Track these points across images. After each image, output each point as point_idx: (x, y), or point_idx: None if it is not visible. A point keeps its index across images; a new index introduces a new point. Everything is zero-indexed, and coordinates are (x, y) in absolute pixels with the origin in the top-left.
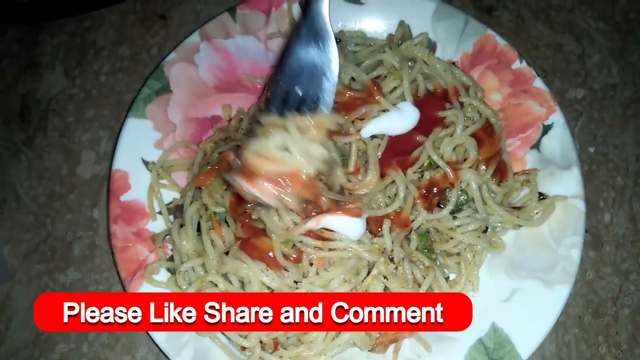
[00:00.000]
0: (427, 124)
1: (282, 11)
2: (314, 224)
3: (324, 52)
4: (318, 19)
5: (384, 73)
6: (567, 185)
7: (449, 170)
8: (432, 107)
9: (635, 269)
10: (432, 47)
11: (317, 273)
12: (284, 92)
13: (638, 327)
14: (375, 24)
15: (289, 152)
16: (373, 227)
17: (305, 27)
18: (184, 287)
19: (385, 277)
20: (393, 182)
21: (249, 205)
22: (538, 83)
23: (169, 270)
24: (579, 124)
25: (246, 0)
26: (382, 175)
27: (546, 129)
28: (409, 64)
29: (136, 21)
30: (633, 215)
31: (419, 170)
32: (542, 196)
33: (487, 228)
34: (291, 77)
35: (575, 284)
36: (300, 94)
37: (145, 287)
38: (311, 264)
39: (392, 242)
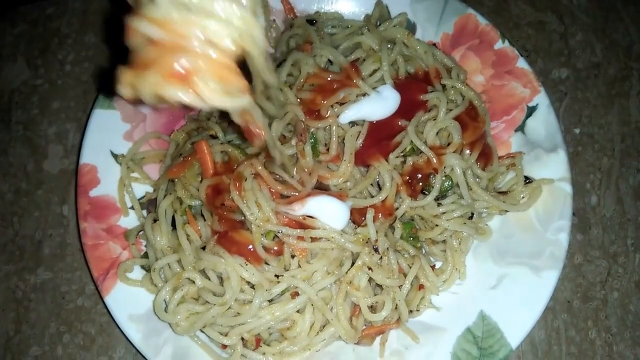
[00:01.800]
0: (408, 108)
1: None
2: (298, 206)
3: None
4: None
5: (362, 56)
6: (553, 168)
7: (432, 156)
8: (414, 90)
9: (623, 252)
10: (411, 28)
11: (299, 266)
12: None
13: (627, 311)
14: (351, 5)
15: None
16: (356, 216)
17: None
18: (160, 284)
19: (369, 268)
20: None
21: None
22: (521, 63)
23: (143, 267)
24: (563, 104)
25: None
26: (366, 166)
27: (530, 111)
28: (388, 46)
29: (101, 7)
30: (620, 197)
31: (402, 155)
32: (528, 180)
33: (472, 214)
34: None
35: (564, 268)
36: None
37: (119, 286)
38: (293, 256)
39: (377, 232)
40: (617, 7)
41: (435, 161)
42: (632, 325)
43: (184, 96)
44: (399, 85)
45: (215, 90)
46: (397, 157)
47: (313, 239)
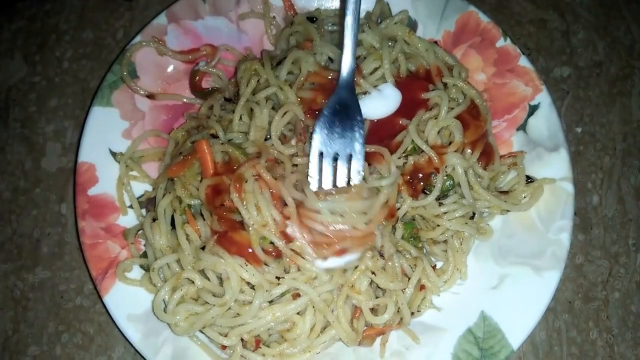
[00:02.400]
0: (410, 106)
1: None
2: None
3: (351, 120)
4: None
5: (363, 54)
6: (555, 167)
7: (433, 155)
8: (415, 88)
9: (624, 252)
10: (412, 25)
11: (299, 269)
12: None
13: (629, 311)
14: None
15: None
16: None
17: (335, 100)
18: (159, 284)
19: (372, 272)
20: None
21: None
22: (523, 61)
23: (142, 267)
24: (565, 103)
25: None
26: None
27: (532, 110)
28: (389, 43)
29: (99, 3)
30: (621, 196)
31: (403, 155)
32: (529, 179)
33: (474, 214)
34: (325, 141)
35: (565, 269)
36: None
37: (118, 286)
38: None
39: (382, 237)
40: (619, 5)
41: (436, 160)
42: (634, 326)
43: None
44: (400, 84)
45: None
46: (399, 157)
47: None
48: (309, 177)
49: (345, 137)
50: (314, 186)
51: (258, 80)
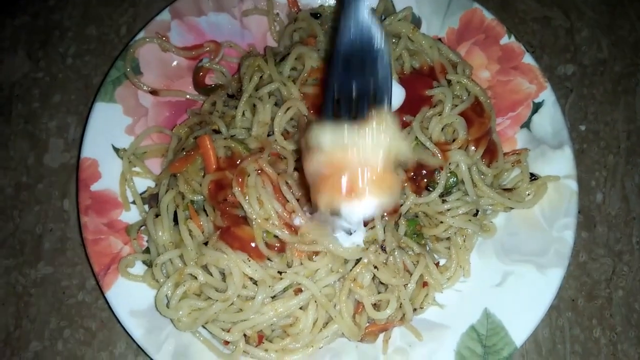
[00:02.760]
0: (413, 103)
1: None
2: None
3: (372, 42)
4: (360, 12)
5: None
6: (559, 165)
7: (437, 152)
8: (419, 85)
9: (628, 250)
10: (416, 22)
11: (302, 263)
12: (334, 94)
13: (632, 309)
14: None
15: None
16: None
17: (349, 21)
18: (161, 280)
19: (375, 267)
20: None
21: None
22: (527, 59)
23: (145, 262)
24: (569, 101)
25: None
26: None
27: (536, 107)
28: (393, 40)
29: (103, 0)
30: (625, 195)
31: None
32: (533, 177)
33: (477, 211)
34: (340, 75)
35: (568, 266)
36: (354, 91)
37: (121, 281)
38: None
39: (384, 232)
40: (624, 2)
41: (440, 157)
42: (637, 324)
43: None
44: (403, 80)
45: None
46: None
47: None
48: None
49: (366, 72)
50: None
51: (261, 77)
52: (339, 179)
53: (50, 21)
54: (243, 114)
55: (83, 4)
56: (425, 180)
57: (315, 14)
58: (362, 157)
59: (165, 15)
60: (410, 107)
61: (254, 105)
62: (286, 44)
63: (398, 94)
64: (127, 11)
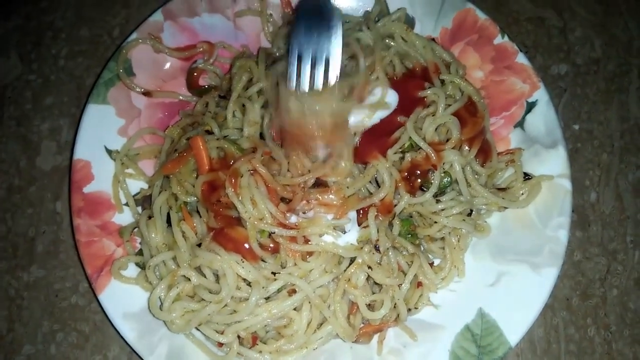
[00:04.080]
0: (407, 105)
1: None
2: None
3: (328, 23)
4: None
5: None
6: (552, 164)
7: (431, 152)
8: (412, 87)
9: (622, 249)
10: (410, 23)
11: (295, 263)
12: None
13: (626, 308)
14: (350, 0)
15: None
16: (357, 217)
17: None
18: (155, 282)
19: (369, 267)
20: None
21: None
22: (521, 59)
23: (138, 265)
24: (562, 100)
25: None
26: (364, 163)
27: (530, 107)
28: (387, 40)
29: (96, 1)
30: (619, 193)
31: (400, 151)
32: (527, 176)
33: (471, 211)
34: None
35: (563, 265)
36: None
37: (114, 284)
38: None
39: (378, 231)
40: (617, 2)
41: (434, 157)
42: (632, 323)
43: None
44: (396, 83)
45: None
46: (395, 153)
47: (306, 240)
48: (287, 80)
49: (321, 41)
50: (291, 86)
51: (251, 80)
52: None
53: (43, 23)
54: (234, 114)
55: (75, 5)
56: (419, 180)
57: None
58: (320, 116)
59: (157, 16)
60: (404, 109)
61: (244, 105)
62: (280, 46)
63: (391, 98)
64: (120, 13)
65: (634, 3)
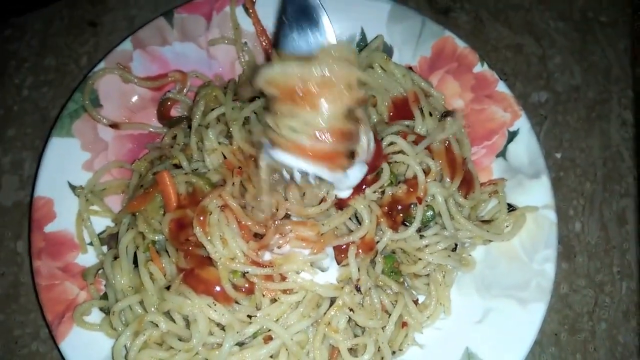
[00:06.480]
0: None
1: (225, 15)
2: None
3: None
4: None
5: None
6: (536, 195)
7: (422, 180)
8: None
9: (609, 280)
10: (388, 51)
11: (275, 300)
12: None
13: (616, 342)
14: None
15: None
16: (336, 255)
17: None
18: (120, 328)
19: (350, 309)
20: None
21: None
22: (501, 87)
23: (102, 310)
24: (543, 128)
25: (184, 3)
26: (341, 208)
27: (512, 136)
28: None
29: (62, 29)
30: (604, 223)
31: (380, 190)
32: (511, 208)
33: (456, 245)
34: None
35: (550, 299)
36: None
37: (76, 331)
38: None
39: (359, 270)
40: (594, 30)
41: (423, 187)
42: (622, 357)
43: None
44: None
45: None
46: (374, 192)
47: (283, 277)
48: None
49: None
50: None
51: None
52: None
53: (6, 51)
54: (197, 145)
55: (42, 32)
56: (401, 215)
57: None
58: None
59: (127, 45)
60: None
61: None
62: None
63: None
64: (88, 41)
65: (611, 31)
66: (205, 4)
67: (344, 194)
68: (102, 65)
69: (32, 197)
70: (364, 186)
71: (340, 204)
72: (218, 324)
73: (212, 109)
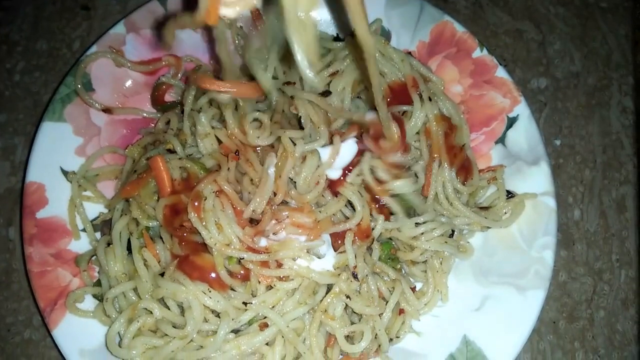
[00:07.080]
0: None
1: None
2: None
3: None
4: None
5: (341, 68)
6: (535, 181)
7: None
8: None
9: (608, 268)
10: (386, 35)
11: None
12: None
13: (614, 330)
14: (325, 13)
15: None
16: (333, 242)
17: None
18: (114, 315)
19: (347, 296)
20: None
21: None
22: (500, 72)
23: (95, 297)
24: (543, 115)
25: None
26: (335, 195)
27: (511, 122)
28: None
29: (55, 12)
30: (603, 210)
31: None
32: (510, 194)
33: (453, 232)
34: None
35: (549, 287)
36: None
37: (69, 318)
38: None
39: (355, 257)
40: (595, 16)
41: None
42: (620, 346)
43: None
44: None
45: None
46: (357, 175)
47: (279, 264)
48: None
49: None
50: None
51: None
52: None
53: None
54: (191, 130)
55: (33, 16)
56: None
57: None
58: None
59: (119, 28)
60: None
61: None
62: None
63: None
64: (81, 25)
65: (611, 17)
66: None
67: (335, 174)
68: (94, 48)
69: (24, 183)
70: (351, 167)
71: (334, 191)
72: (213, 311)
73: (204, 93)
